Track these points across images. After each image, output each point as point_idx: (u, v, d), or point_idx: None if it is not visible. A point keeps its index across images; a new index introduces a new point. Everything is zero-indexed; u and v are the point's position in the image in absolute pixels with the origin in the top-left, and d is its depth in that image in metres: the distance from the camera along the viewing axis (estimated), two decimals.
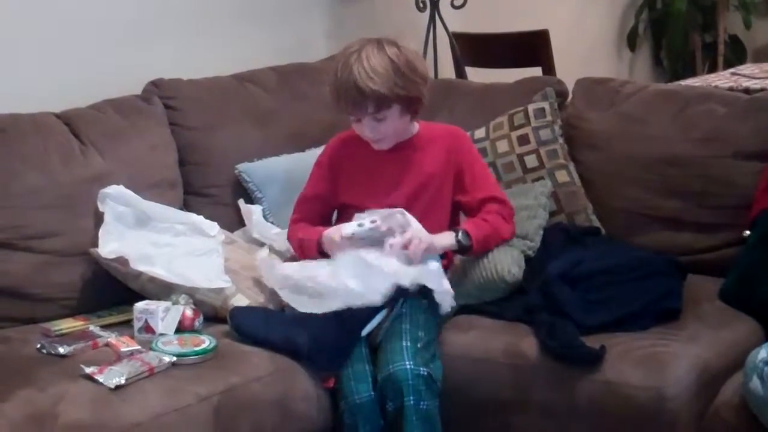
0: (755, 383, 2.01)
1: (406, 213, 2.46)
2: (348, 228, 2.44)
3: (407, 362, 2.30)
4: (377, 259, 2.38)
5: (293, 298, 2.45)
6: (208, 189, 2.97)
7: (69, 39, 2.97)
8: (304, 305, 2.43)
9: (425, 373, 2.31)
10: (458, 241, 2.51)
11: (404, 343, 2.34)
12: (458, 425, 2.43)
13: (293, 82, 3.22)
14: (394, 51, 2.49)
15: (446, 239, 2.52)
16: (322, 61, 3.37)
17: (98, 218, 2.62)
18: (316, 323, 2.39)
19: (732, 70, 4.19)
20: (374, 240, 2.43)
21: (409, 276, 2.38)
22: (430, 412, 2.31)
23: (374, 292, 2.34)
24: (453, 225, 2.61)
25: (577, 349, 2.28)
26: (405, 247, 2.40)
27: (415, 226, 2.44)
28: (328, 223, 2.63)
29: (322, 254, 2.50)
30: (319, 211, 2.64)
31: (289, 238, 2.64)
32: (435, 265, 2.43)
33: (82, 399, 2.10)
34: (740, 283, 2.46)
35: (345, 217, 2.58)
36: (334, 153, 2.66)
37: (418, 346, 2.35)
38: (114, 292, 2.60)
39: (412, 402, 2.28)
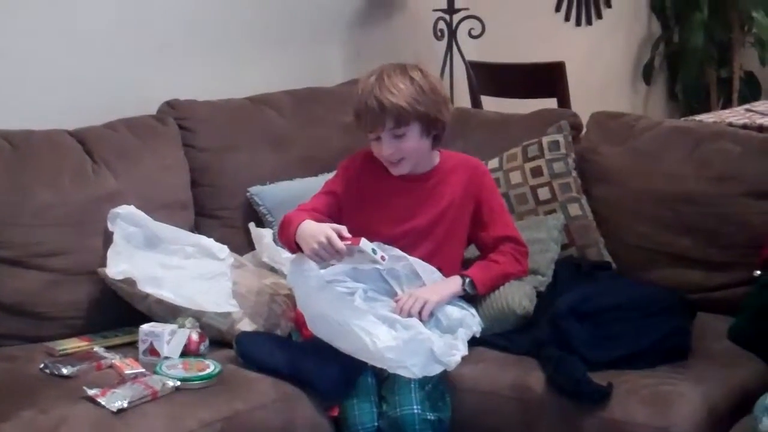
0: (765, 425, 1.98)
1: (414, 263, 2.46)
2: (366, 244, 2.36)
3: (415, 407, 2.28)
4: (415, 331, 2.34)
5: (312, 315, 2.40)
6: (219, 211, 2.97)
7: (85, 58, 2.98)
8: (319, 329, 2.39)
9: (433, 418, 2.29)
10: (464, 290, 2.50)
11: (412, 385, 2.31)
12: None
13: (308, 107, 3.21)
14: (417, 74, 2.51)
15: (452, 286, 2.50)
16: (338, 86, 3.37)
17: (107, 238, 2.61)
18: (323, 351, 2.37)
19: (746, 106, 4.18)
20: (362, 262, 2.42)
21: (441, 345, 2.35)
22: None
23: (410, 370, 2.30)
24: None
25: (585, 386, 2.26)
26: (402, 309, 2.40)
27: (423, 274, 2.46)
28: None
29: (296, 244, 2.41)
30: (330, 206, 2.56)
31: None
32: (462, 332, 2.43)
33: (83, 422, 2.08)
34: (751, 324, 2.42)
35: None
36: (360, 164, 2.62)
37: (427, 388, 2.33)
38: (121, 312, 2.59)
39: None
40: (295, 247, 2.43)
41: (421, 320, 2.39)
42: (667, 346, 2.38)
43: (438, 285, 2.49)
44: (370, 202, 2.58)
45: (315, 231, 2.37)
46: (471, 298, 2.53)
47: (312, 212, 2.51)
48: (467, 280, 2.51)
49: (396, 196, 2.58)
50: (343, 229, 2.38)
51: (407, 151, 2.52)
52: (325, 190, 2.62)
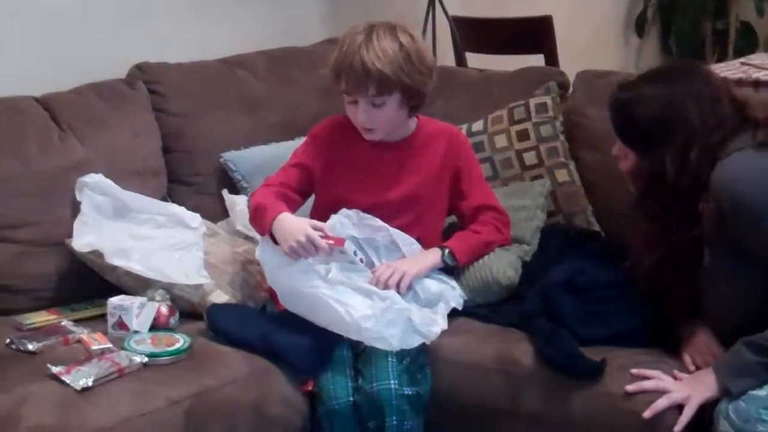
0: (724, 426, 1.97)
1: (393, 234, 2.39)
2: (350, 246, 2.31)
3: (392, 381, 2.20)
4: (392, 301, 2.26)
5: (283, 290, 2.32)
6: (193, 178, 2.89)
7: (51, 20, 2.86)
8: (292, 304, 2.31)
9: (411, 393, 2.22)
10: (443, 261, 2.42)
11: (390, 359, 2.23)
12: (444, 430, 2.33)
13: (284, 68, 3.12)
14: (406, 38, 2.38)
15: (431, 258, 2.42)
16: (315, 45, 3.27)
17: (76, 208, 2.53)
18: (297, 323, 2.29)
19: (742, 59, 4.07)
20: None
21: (420, 315, 2.27)
22: (415, 431, 2.23)
23: (388, 341, 2.22)
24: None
25: (577, 360, 2.18)
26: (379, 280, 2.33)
27: (403, 245, 2.39)
28: (296, 203, 2.46)
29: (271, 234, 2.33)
30: (300, 181, 2.46)
31: (251, 195, 2.47)
32: (442, 307, 2.35)
33: (46, 401, 2.01)
34: None
35: (327, 208, 2.43)
36: (330, 131, 2.51)
37: (405, 362, 2.25)
38: (90, 284, 2.51)
39: (395, 422, 2.19)
40: (269, 236, 2.34)
41: (398, 293, 2.31)
42: (663, 328, 2.26)
43: (417, 257, 2.41)
44: (344, 172, 2.48)
45: (294, 228, 2.28)
46: (452, 270, 2.45)
47: (281, 188, 2.42)
48: (446, 251, 2.42)
49: (372, 164, 2.48)
50: (325, 227, 2.31)
51: (382, 119, 2.42)
52: (294, 162, 2.50)
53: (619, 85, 2.25)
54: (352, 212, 2.41)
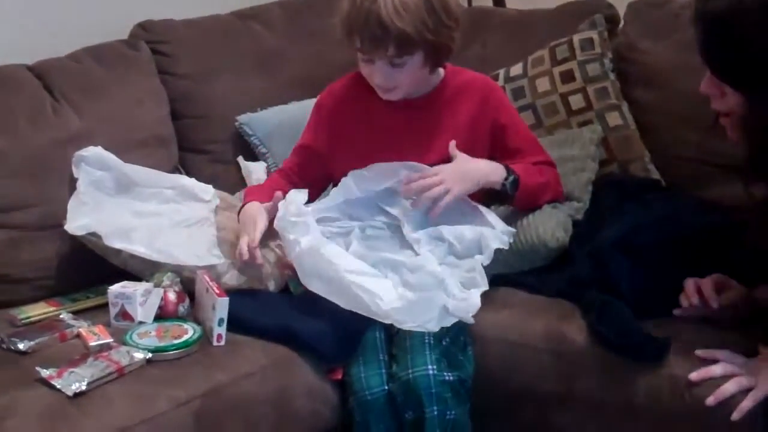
0: None
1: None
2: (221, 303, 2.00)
3: (430, 367, 1.94)
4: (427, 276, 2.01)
5: (306, 271, 2.06)
6: (206, 145, 2.67)
7: None
8: (315, 285, 2.05)
9: (452, 378, 1.96)
10: (503, 185, 2.14)
11: (426, 340, 1.97)
12: (490, 417, 2.08)
13: (303, 19, 2.88)
14: None
15: (488, 172, 2.13)
16: None
17: (74, 186, 2.30)
18: (321, 305, 2.03)
19: None
20: None
21: (456, 294, 2.01)
22: (459, 420, 1.97)
23: (424, 326, 1.97)
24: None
25: (636, 339, 1.89)
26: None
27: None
28: (318, 187, 2.27)
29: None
30: (307, 164, 2.25)
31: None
32: (482, 260, 2.08)
33: (33, 411, 1.77)
34: None
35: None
36: (337, 97, 2.26)
37: (444, 342, 1.99)
38: (94, 269, 2.26)
39: (436, 413, 1.94)
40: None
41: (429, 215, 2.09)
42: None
43: (471, 165, 2.12)
44: (358, 141, 2.21)
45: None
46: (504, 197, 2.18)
47: (280, 181, 2.25)
48: (512, 177, 2.14)
49: (393, 129, 2.21)
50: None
51: (402, 80, 2.14)
52: (298, 144, 2.29)
53: None
54: (362, 170, 2.17)
